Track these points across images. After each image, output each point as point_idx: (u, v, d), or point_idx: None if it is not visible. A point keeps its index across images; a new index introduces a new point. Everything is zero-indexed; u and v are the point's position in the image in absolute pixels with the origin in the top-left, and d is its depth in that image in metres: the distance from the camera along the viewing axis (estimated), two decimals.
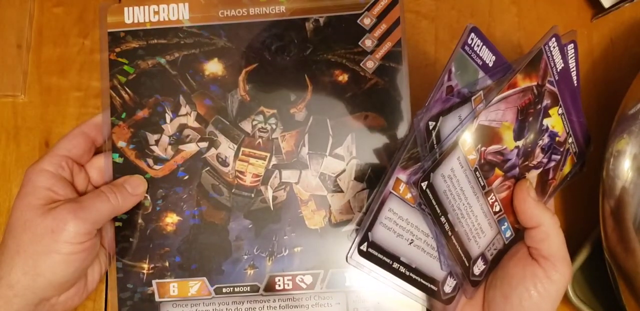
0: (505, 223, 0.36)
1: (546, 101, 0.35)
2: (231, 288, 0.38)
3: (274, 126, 0.39)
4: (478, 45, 0.33)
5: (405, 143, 0.33)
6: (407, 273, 0.34)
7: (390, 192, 0.33)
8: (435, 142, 0.32)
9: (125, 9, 0.39)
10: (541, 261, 0.34)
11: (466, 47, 0.33)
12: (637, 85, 0.39)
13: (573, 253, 0.41)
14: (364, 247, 0.32)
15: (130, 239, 0.38)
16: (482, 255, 0.35)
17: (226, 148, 0.39)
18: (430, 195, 0.32)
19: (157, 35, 0.39)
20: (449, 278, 0.36)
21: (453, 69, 0.33)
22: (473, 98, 0.33)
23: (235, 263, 0.38)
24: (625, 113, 0.38)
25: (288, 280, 0.38)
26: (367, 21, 0.39)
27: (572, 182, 0.40)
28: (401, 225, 0.34)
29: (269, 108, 0.39)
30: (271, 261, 0.38)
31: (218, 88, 0.39)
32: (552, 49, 0.34)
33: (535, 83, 0.34)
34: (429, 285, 0.35)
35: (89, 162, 0.38)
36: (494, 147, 0.33)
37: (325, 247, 0.38)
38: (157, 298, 0.38)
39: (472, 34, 0.33)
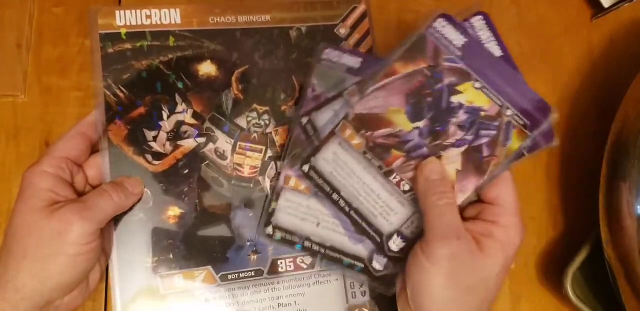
0: None
1: (449, 79, 0.36)
2: (236, 274, 0.40)
3: (267, 122, 0.41)
4: (336, 56, 0.39)
5: (287, 144, 0.40)
6: (323, 250, 0.38)
7: (283, 187, 0.39)
8: (312, 134, 0.38)
9: (117, 12, 0.40)
10: (421, 242, 0.34)
11: (323, 62, 0.39)
12: (637, 85, 0.39)
13: (573, 253, 0.41)
14: (269, 230, 0.39)
15: (133, 234, 0.38)
16: (399, 232, 0.37)
17: (223, 142, 0.41)
18: (315, 176, 0.38)
19: (150, 38, 0.40)
20: (375, 255, 0.38)
21: (315, 82, 0.39)
22: (346, 92, 0.38)
23: (238, 250, 0.40)
24: (625, 113, 0.38)
25: (290, 262, 0.40)
26: (342, 31, 0.43)
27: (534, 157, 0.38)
28: (302, 211, 0.39)
29: (261, 106, 0.41)
30: (273, 246, 0.40)
31: (212, 87, 0.41)
32: (440, 29, 0.36)
33: (424, 66, 0.36)
34: (354, 262, 0.38)
35: (86, 161, 0.38)
36: (383, 131, 0.37)
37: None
38: (162, 291, 0.38)
39: (328, 50, 0.39)
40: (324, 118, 0.38)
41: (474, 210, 0.37)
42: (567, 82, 0.47)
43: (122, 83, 0.39)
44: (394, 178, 0.37)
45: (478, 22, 0.37)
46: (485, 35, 0.37)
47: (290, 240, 0.39)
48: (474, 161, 0.36)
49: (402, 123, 0.36)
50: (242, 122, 0.41)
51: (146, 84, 0.40)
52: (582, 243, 0.41)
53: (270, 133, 0.41)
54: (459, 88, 0.36)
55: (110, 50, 0.40)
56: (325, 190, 0.38)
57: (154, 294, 0.38)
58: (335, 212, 0.38)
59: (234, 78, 0.41)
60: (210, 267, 0.39)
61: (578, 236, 0.42)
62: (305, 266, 0.40)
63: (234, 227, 0.40)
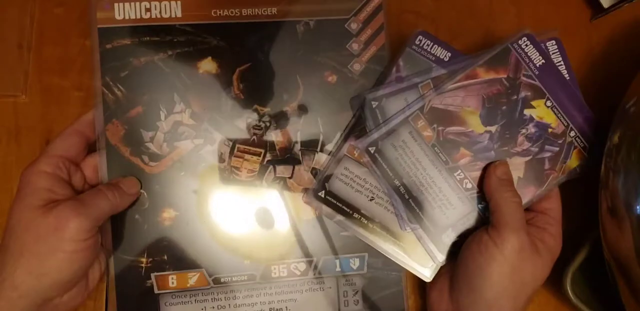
0: (483, 203, 0.39)
1: (524, 93, 0.39)
2: (229, 278, 0.39)
3: (267, 124, 0.40)
4: (428, 45, 0.40)
5: (355, 117, 0.40)
6: (370, 225, 0.39)
7: (345, 155, 0.39)
8: (380, 118, 0.39)
9: (116, 5, 0.39)
10: (490, 229, 0.37)
11: (414, 47, 0.40)
12: (637, 85, 0.39)
13: (573, 253, 0.41)
14: (321, 194, 0.39)
15: (129, 235, 0.38)
16: (454, 227, 0.39)
17: (222, 144, 0.40)
18: (379, 159, 0.38)
19: (149, 33, 0.39)
20: (422, 241, 0.39)
21: (401, 63, 0.40)
22: (420, 85, 0.39)
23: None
24: (624, 112, 0.38)
25: (283, 267, 0.40)
26: (354, 26, 0.41)
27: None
28: (359, 183, 0.39)
29: (262, 106, 0.40)
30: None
31: (212, 86, 0.40)
32: (523, 46, 0.39)
33: (504, 76, 0.39)
34: (400, 242, 0.39)
35: (83, 160, 0.38)
36: (455, 128, 0.39)
37: (318, 236, 0.40)
38: (156, 291, 0.38)
39: (420, 36, 0.40)
40: (394, 105, 0.39)
41: (526, 216, 0.39)
42: None
43: (120, 80, 0.39)
44: (459, 174, 0.39)
45: (552, 46, 0.41)
46: (556, 59, 0.40)
47: (340, 207, 0.39)
48: (536, 172, 0.40)
49: (475, 124, 0.39)
50: (241, 123, 0.40)
51: (144, 82, 0.39)
52: (582, 243, 0.41)
53: (270, 135, 0.40)
54: (532, 103, 0.40)
55: (109, 46, 0.39)
56: (388, 174, 0.39)
57: (148, 294, 0.38)
58: (393, 196, 0.39)
59: (235, 77, 0.40)
60: (203, 269, 0.39)
61: (578, 236, 0.42)
62: (298, 273, 0.40)
63: None
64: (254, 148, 0.40)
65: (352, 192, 0.39)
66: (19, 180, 0.35)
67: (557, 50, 0.41)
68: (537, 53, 0.39)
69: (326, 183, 0.39)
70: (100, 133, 0.38)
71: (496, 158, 0.39)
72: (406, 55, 0.40)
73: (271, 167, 0.40)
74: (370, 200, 0.39)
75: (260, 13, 0.40)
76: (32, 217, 0.34)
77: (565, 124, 0.40)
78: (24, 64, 0.43)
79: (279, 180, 0.40)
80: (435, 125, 0.38)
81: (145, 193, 0.39)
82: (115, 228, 0.38)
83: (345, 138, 0.40)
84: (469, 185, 0.39)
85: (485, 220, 0.39)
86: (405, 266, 0.40)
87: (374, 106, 0.39)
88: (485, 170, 0.39)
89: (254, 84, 0.40)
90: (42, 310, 0.34)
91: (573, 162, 0.40)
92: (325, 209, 0.39)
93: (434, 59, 0.40)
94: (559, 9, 0.48)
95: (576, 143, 0.40)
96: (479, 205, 0.39)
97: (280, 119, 0.40)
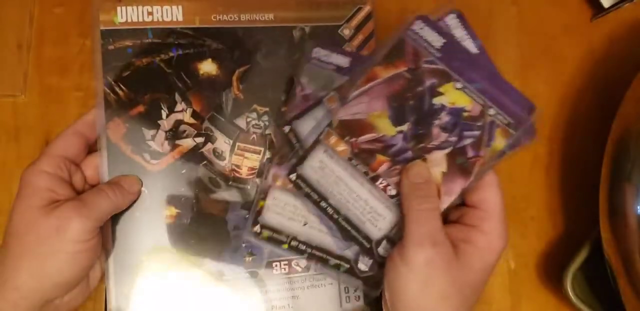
0: None
1: (430, 81, 0.36)
2: (231, 275, 0.39)
3: (267, 123, 0.41)
4: (326, 55, 0.39)
5: (275, 144, 0.40)
6: (309, 250, 0.38)
7: (270, 185, 0.38)
8: (295, 142, 0.38)
9: (118, 8, 0.40)
10: (398, 244, 0.34)
11: (313, 60, 0.39)
12: (637, 85, 0.39)
13: (573, 253, 0.41)
14: (257, 229, 0.38)
15: (129, 233, 0.38)
16: (387, 238, 0.37)
17: (222, 143, 0.40)
18: (302, 184, 0.37)
19: (151, 35, 0.40)
20: (361, 256, 0.38)
21: (303, 81, 0.39)
22: (325, 99, 0.38)
23: (234, 251, 0.40)
24: (625, 112, 0.38)
25: (284, 264, 0.40)
26: (346, 32, 0.43)
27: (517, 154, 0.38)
28: (290, 210, 0.38)
29: (261, 106, 0.41)
30: (268, 248, 0.40)
31: (212, 86, 0.40)
32: (418, 31, 0.36)
33: (404, 68, 0.36)
34: (340, 262, 0.38)
35: (84, 160, 0.38)
36: (366, 136, 0.36)
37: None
38: (156, 290, 0.38)
39: (316, 48, 0.39)
40: (306, 125, 0.38)
41: (457, 213, 0.36)
42: (567, 82, 0.47)
43: (122, 80, 0.39)
44: (380, 183, 0.36)
45: (452, 20, 0.37)
46: (460, 33, 0.37)
47: (277, 238, 0.38)
48: (459, 163, 0.36)
49: (386, 127, 0.36)
50: (241, 122, 0.41)
51: (146, 82, 0.39)
52: (582, 243, 0.41)
53: (270, 134, 0.41)
54: (440, 89, 0.36)
55: (111, 47, 0.39)
56: (313, 197, 0.37)
57: (148, 293, 0.38)
58: (323, 218, 0.38)
59: (234, 78, 0.41)
60: (205, 267, 0.39)
61: (578, 236, 0.42)
62: (300, 269, 0.40)
63: (230, 228, 0.40)
64: (254, 147, 0.41)
65: (286, 220, 0.38)
66: (19, 181, 0.35)
67: (459, 23, 0.37)
68: (435, 34, 0.36)
69: (259, 217, 0.38)
70: (101, 131, 0.38)
71: (414, 157, 0.36)
72: (306, 71, 0.39)
73: (271, 164, 0.40)
74: (304, 224, 0.38)
75: (258, 19, 0.42)
76: (33, 217, 0.33)
77: (482, 103, 0.36)
78: (24, 63, 0.43)
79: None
80: (347, 138, 0.36)
81: (146, 191, 0.39)
82: (115, 226, 0.38)
83: (267, 169, 0.39)
84: (393, 192, 0.36)
85: None
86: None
87: (286, 131, 0.38)
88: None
89: (253, 85, 0.41)
90: None
91: (499, 142, 0.36)
92: (267, 246, 0.39)
93: (334, 68, 0.39)
94: (559, 8, 0.48)
95: (498, 121, 0.36)
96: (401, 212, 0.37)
97: (279, 118, 0.41)
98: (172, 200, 0.39)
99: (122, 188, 0.37)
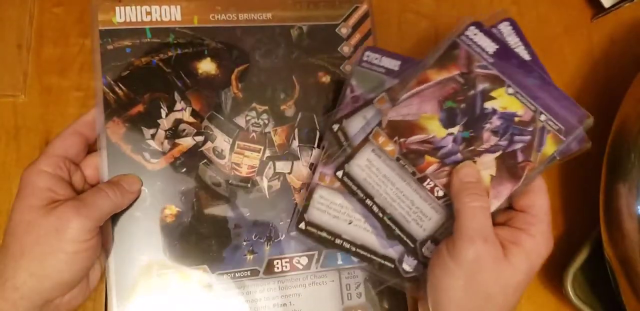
0: None
1: (482, 85, 0.37)
2: (232, 274, 0.40)
3: (266, 121, 0.41)
4: (376, 58, 0.40)
5: (323, 143, 0.40)
6: (354, 248, 0.39)
7: (317, 183, 0.39)
8: (343, 140, 0.38)
9: (117, 8, 0.40)
10: (447, 240, 0.34)
11: (363, 64, 0.40)
12: (637, 85, 0.39)
13: (573, 253, 0.41)
14: (302, 226, 0.39)
15: (129, 232, 0.38)
16: (433, 238, 0.37)
17: (222, 141, 0.40)
18: (349, 182, 0.38)
19: (150, 35, 0.40)
20: (406, 256, 0.38)
21: (354, 83, 0.40)
22: (375, 100, 0.38)
23: (235, 249, 0.40)
24: (626, 113, 0.38)
25: (286, 262, 0.40)
26: (344, 31, 0.43)
27: (572, 161, 0.38)
28: (335, 208, 0.39)
29: (260, 105, 0.41)
30: (269, 246, 0.40)
31: (212, 85, 0.41)
32: (472, 36, 0.37)
33: (456, 72, 0.37)
34: (384, 262, 0.39)
35: (83, 160, 0.38)
36: (416, 137, 0.37)
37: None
38: (157, 289, 0.38)
39: (367, 52, 0.40)
40: (355, 124, 0.39)
41: (504, 216, 0.36)
42: (568, 82, 0.47)
43: (121, 80, 0.39)
44: (428, 184, 0.37)
45: (505, 27, 0.38)
46: (513, 40, 0.38)
47: (321, 236, 0.39)
48: (509, 167, 0.36)
49: (436, 129, 0.37)
50: (240, 121, 0.41)
51: (145, 81, 0.40)
52: (582, 243, 0.41)
53: (269, 132, 0.41)
54: (492, 94, 0.37)
55: (110, 47, 0.40)
56: (359, 196, 0.38)
57: (149, 292, 0.38)
58: (368, 216, 0.38)
59: (233, 77, 0.41)
60: (206, 266, 0.39)
61: (578, 236, 0.42)
62: (301, 267, 0.41)
63: (231, 227, 0.40)
64: (254, 145, 0.41)
65: (331, 218, 0.39)
66: (19, 180, 0.35)
67: (512, 31, 0.38)
68: (488, 40, 0.37)
69: (304, 214, 0.39)
70: (100, 131, 0.38)
71: (464, 160, 0.36)
72: (357, 74, 0.40)
73: (271, 163, 0.41)
74: (349, 223, 0.39)
75: (256, 18, 0.42)
76: (33, 217, 0.33)
77: (533, 109, 0.36)
78: (23, 63, 0.43)
79: (279, 176, 0.41)
80: (396, 138, 0.37)
81: (146, 190, 0.39)
82: (115, 225, 0.38)
83: (314, 167, 0.40)
84: (441, 193, 0.37)
85: None
86: (394, 285, 0.39)
87: (335, 129, 0.39)
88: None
89: (252, 84, 0.41)
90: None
91: (549, 148, 0.36)
92: (309, 243, 0.39)
93: (384, 71, 0.39)
94: (559, 8, 0.48)
95: (549, 127, 0.36)
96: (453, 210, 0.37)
97: (278, 117, 0.41)
98: (173, 199, 0.39)
99: (122, 188, 0.37)
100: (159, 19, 0.41)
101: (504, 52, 0.37)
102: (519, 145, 0.36)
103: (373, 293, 0.41)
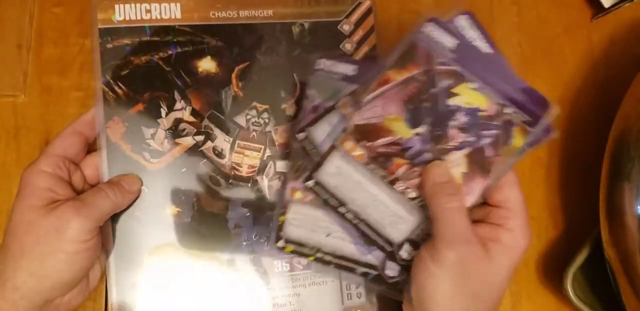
0: None
1: (444, 82, 0.36)
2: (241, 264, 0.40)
3: (267, 120, 0.41)
4: (331, 65, 0.39)
5: (290, 158, 0.39)
6: (335, 260, 0.38)
7: (289, 200, 0.38)
8: (311, 148, 0.38)
9: (116, 6, 0.40)
10: (427, 244, 0.34)
11: (318, 72, 0.39)
12: (637, 85, 0.39)
13: (573, 253, 0.41)
14: (281, 244, 0.38)
15: (130, 232, 0.38)
16: (409, 240, 0.37)
17: (222, 141, 0.40)
18: (320, 191, 0.37)
19: (149, 33, 0.40)
20: (388, 261, 0.38)
21: (311, 92, 0.39)
22: (337, 105, 0.38)
23: (235, 249, 0.40)
24: (626, 113, 0.38)
25: (286, 262, 0.40)
26: (346, 27, 0.42)
27: (534, 151, 0.38)
28: (311, 222, 0.38)
29: (261, 103, 0.41)
30: (269, 246, 0.39)
31: (212, 84, 0.40)
32: (429, 33, 0.36)
33: (416, 71, 0.36)
34: (367, 270, 0.38)
35: (83, 160, 0.38)
36: (382, 140, 0.36)
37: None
38: (157, 289, 0.38)
39: (321, 59, 0.39)
40: (321, 131, 0.38)
41: (480, 212, 0.36)
42: (568, 82, 0.47)
43: (121, 79, 0.39)
44: (399, 186, 0.36)
45: (464, 21, 0.37)
46: (472, 34, 0.37)
47: (302, 252, 0.38)
48: (479, 162, 0.36)
49: (402, 130, 0.36)
50: (241, 120, 0.41)
51: (145, 80, 0.39)
52: (582, 243, 0.41)
53: (270, 131, 0.41)
54: (454, 90, 0.36)
55: (109, 46, 0.39)
56: (332, 203, 0.37)
57: (149, 291, 0.38)
58: (343, 225, 0.38)
59: (233, 75, 0.41)
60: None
61: (578, 236, 0.42)
62: (301, 267, 0.40)
63: (231, 226, 0.40)
64: (254, 144, 0.41)
65: (308, 232, 0.38)
66: (19, 181, 0.35)
67: (472, 24, 0.37)
68: (447, 35, 0.36)
69: (281, 233, 0.38)
70: (100, 130, 0.38)
71: (433, 159, 0.36)
72: (313, 83, 0.39)
73: (271, 162, 0.41)
74: (327, 235, 0.38)
75: (257, 15, 0.42)
76: (32, 217, 0.33)
77: (498, 102, 0.36)
78: (23, 63, 0.43)
79: (280, 175, 0.41)
80: (363, 142, 0.36)
81: (146, 190, 0.39)
82: (115, 225, 0.38)
83: (284, 184, 0.39)
84: (413, 194, 0.37)
85: None
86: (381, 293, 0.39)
87: (300, 138, 0.38)
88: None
89: (252, 82, 0.41)
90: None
91: (518, 140, 0.36)
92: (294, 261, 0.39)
93: (341, 77, 0.39)
94: (559, 8, 0.48)
95: (515, 120, 0.36)
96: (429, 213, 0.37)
97: (279, 116, 0.41)
98: (173, 199, 0.39)
99: (121, 188, 0.37)
100: (158, 17, 0.40)
101: (464, 47, 0.36)
102: (487, 140, 0.36)
103: (374, 292, 0.41)
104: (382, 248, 0.37)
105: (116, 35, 0.40)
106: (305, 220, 0.38)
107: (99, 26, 0.39)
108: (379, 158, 0.36)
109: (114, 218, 0.38)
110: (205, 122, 0.40)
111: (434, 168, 0.35)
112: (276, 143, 0.41)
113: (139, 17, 0.40)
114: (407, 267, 0.37)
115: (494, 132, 0.36)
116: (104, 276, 0.38)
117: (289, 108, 0.41)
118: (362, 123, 0.36)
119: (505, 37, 0.47)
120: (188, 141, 0.40)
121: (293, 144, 0.38)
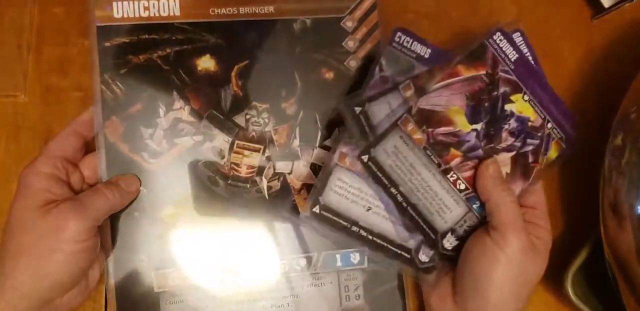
0: (478, 202, 0.38)
1: (504, 88, 0.38)
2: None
3: (266, 120, 0.40)
4: (407, 41, 0.39)
5: (346, 123, 0.37)
6: (370, 237, 0.37)
7: (336, 164, 0.37)
8: (365, 124, 0.37)
9: (114, 3, 0.39)
10: (491, 232, 0.36)
11: (394, 44, 0.39)
12: (637, 85, 0.39)
13: (573, 253, 0.41)
14: (316, 209, 0.37)
15: (128, 233, 0.38)
16: (453, 230, 0.38)
17: (221, 141, 0.40)
18: (373, 168, 0.36)
19: (148, 31, 0.40)
20: (423, 246, 0.38)
21: (384, 62, 0.38)
22: (401, 86, 0.37)
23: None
24: (626, 113, 0.38)
25: (284, 263, 0.40)
26: (349, 24, 0.41)
27: (563, 166, 0.42)
28: (354, 193, 0.37)
29: (261, 103, 0.40)
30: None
31: (211, 83, 0.40)
32: (498, 42, 0.38)
33: (483, 72, 0.38)
34: (400, 252, 0.38)
35: (81, 160, 0.38)
36: (443, 129, 0.37)
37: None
38: (155, 289, 0.38)
39: (399, 33, 0.39)
40: (378, 109, 0.37)
41: None
42: (567, 82, 0.47)
43: (119, 78, 0.39)
44: (451, 176, 0.37)
45: (517, 38, 0.39)
46: (524, 51, 0.40)
47: (337, 221, 0.37)
48: (521, 166, 0.39)
49: (462, 123, 0.37)
50: (240, 119, 0.40)
51: (143, 79, 0.39)
52: (582, 243, 0.41)
53: (269, 131, 0.40)
54: (511, 97, 0.39)
55: (107, 44, 0.39)
56: (384, 182, 0.37)
57: (148, 291, 0.38)
58: (388, 203, 0.37)
59: (233, 74, 0.40)
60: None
61: (578, 236, 0.42)
62: (299, 268, 0.40)
63: None
64: (254, 145, 0.40)
65: (348, 203, 0.37)
66: (17, 181, 0.35)
67: (522, 42, 0.40)
68: (510, 48, 0.39)
69: (320, 197, 0.37)
70: (99, 130, 0.38)
71: (484, 156, 0.38)
72: (388, 54, 0.39)
73: (271, 162, 0.40)
74: (367, 210, 0.37)
75: (257, 11, 0.41)
76: (31, 217, 0.34)
77: (543, 116, 0.39)
78: (24, 64, 0.43)
79: (279, 176, 0.40)
80: (424, 127, 0.37)
81: (144, 190, 0.39)
82: (114, 226, 0.38)
83: (334, 147, 0.38)
84: (462, 186, 0.37)
85: (482, 221, 0.38)
86: (409, 274, 0.40)
87: (357, 112, 0.37)
88: (476, 169, 0.38)
89: (252, 81, 0.40)
90: None
91: (553, 153, 0.40)
92: (322, 229, 0.37)
93: (415, 56, 0.39)
94: (559, 8, 0.48)
95: (554, 135, 0.40)
96: (474, 205, 0.38)
97: (279, 115, 0.40)
98: (171, 199, 0.39)
99: (120, 188, 0.37)
100: (157, 14, 0.40)
101: (522, 61, 0.39)
102: (530, 147, 0.39)
103: (372, 294, 0.41)
104: (425, 235, 0.38)
105: (114, 33, 0.39)
106: (347, 189, 0.37)
107: (97, 24, 0.39)
108: (437, 146, 0.37)
109: (112, 218, 0.38)
110: (204, 121, 0.40)
111: (493, 165, 0.37)
112: (276, 144, 0.40)
113: (137, 15, 0.39)
114: (444, 256, 0.38)
115: (536, 141, 0.39)
116: (103, 276, 0.38)
117: (289, 107, 0.41)
118: (427, 108, 0.37)
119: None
120: (187, 141, 0.39)
121: (347, 112, 0.37)
